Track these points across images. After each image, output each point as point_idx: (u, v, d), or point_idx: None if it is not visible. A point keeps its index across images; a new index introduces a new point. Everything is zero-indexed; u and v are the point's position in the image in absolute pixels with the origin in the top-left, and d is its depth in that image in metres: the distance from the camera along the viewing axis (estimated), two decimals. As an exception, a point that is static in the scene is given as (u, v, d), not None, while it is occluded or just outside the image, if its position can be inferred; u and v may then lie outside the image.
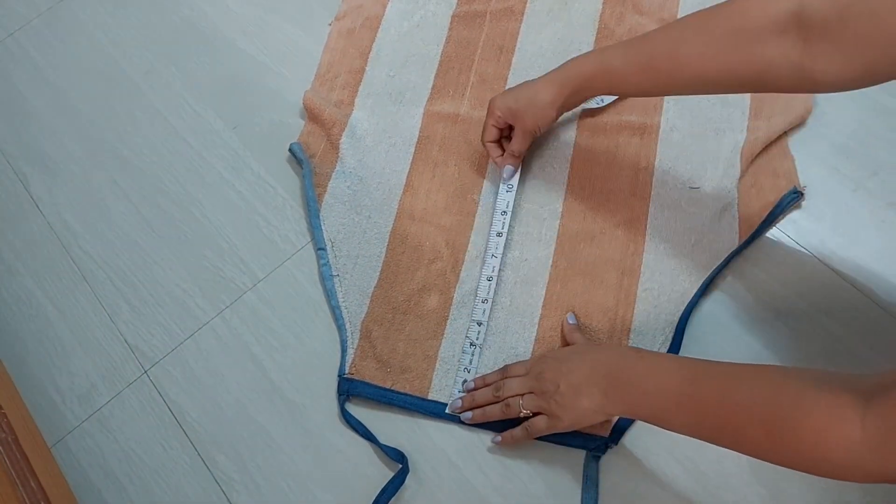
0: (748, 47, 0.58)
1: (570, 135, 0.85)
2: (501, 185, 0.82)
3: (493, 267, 0.78)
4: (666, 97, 0.85)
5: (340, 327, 0.77)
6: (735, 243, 0.76)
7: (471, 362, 0.74)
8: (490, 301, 0.76)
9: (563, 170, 0.83)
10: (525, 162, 0.82)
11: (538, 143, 0.84)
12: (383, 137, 0.88)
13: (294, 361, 0.77)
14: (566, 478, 0.69)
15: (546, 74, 0.75)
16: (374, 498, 0.69)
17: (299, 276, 0.81)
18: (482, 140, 0.82)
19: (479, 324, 0.75)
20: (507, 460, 0.70)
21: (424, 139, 0.87)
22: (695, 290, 0.75)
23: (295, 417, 0.74)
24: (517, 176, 0.82)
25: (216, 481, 0.73)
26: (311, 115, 0.90)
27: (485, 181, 0.84)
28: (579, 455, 0.69)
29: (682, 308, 0.74)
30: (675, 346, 0.72)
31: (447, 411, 0.72)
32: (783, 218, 0.78)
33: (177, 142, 0.91)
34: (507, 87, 0.89)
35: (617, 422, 0.69)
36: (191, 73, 0.96)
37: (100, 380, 0.78)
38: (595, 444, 0.69)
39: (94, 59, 0.99)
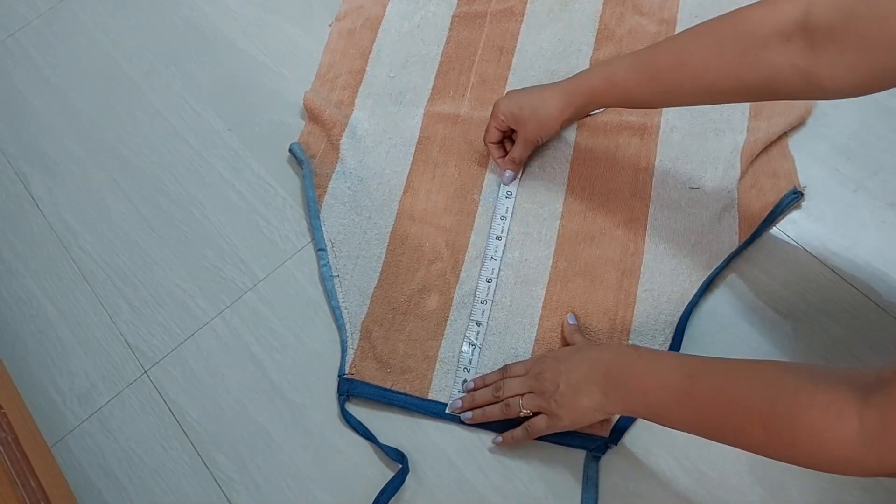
0: (754, 56, 0.58)
1: (570, 135, 0.85)
2: (501, 189, 0.82)
3: (493, 269, 0.78)
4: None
5: (340, 327, 0.77)
6: (735, 244, 0.76)
7: (471, 362, 0.74)
8: (490, 302, 0.76)
9: (563, 170, 0.83)
10: (525, 162, 0.83)
11: (538, 143, 0.84)
12: (384, 138, 0.88)
13: (294, 361, 0.77)
14: (566, 478, 0.69)
15: (553, 85, 0.76)
16: (374, 498, 0.69)
17: (299, 277, 0.81)
18: (484, 140, 0.82)
19: (479, 324, 0.75)
20: (507, 460, 0.70)
21: (425, 140, 0.87)
22: (695, 291, 0.75)
23: (295, 417, 0.74)
24: (517, 181, 0.82)
25: (216, 481, 0.73)
26: (311, 115, 0.90)
27: (485, 181, 0.84)
28: (579, 455, 0.69)
29: (682, 308, 0.74)
30: (675, 346, 0.72)
31: (447, 411, 0.72)
32: (783, 218, 0.78)
33: (177, 142, 0.91)
34: (507, 88, 0.89)
35: (617, 422, 0.69)
36: (191, 73, 0.96)
37: (100, 380, 0.78)
38: (595, 444, 0.69)
39: (95, 59, 0.99)
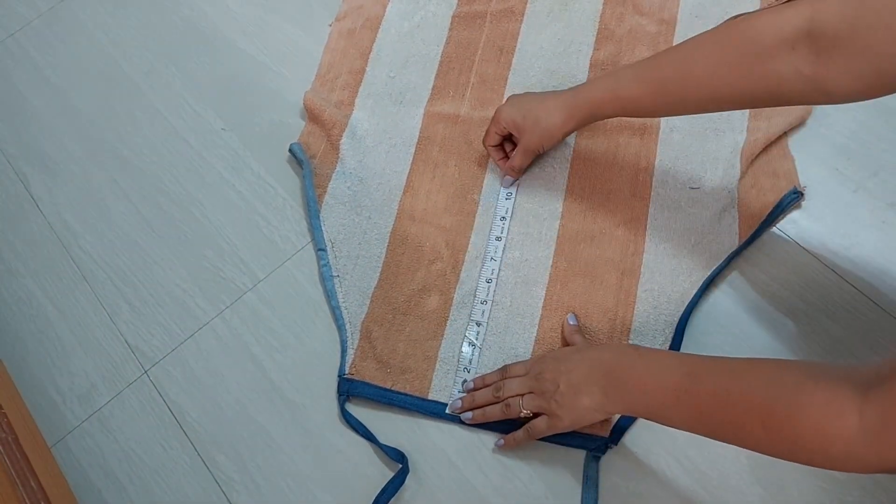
0: (760, 64, 0.58)
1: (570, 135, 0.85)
2: (501, 190, 0.82)
3: (492, 270, 0.78)
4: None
5: (340, 328, 0.77)
6: (735, 244, 0.76)
7: (471, 363, 0.74)
8: (490, 302, 0.76)
9: (563, 170, 0.83)
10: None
11: (538, 143, 0.84)
12: (384, 138, 0.88)
13: (294, 361, 0.77)
14: (566, 478, 0.69)
15: (557, 95, 0.75)
16: (374, 498, 0.69)
17: (299, 277, 0.81)
18: (483, 143, 0.82)
19: (479, 324, 0.75)
20: (507, 460, 0.70)
21: (425, 140, 0.87)
22: (695, 291, 0.75)
23: (295, 417, 0.74)
24: (517, 184, 0.82)
25: (216, 481, 0.73)
26: (311, 115, 0.90)
27: (485, 181, 0.84)
28: (579, 455, 0.69)
29: (682, 308, 0.74)
30: (675, 346, 0.72)
31: (447, 411, 0.72)
32: (783, 218, 0.78)
33: (177, 142, 0.91)
34: (507, 87, 0.89)
35: (617, 422, 0.69)
36: (191, 73, 0.96)
37: (100, 380, 0.78)
38: (595, 444, 0.69)
39: (95, 60, 0.99)
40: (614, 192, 0.81)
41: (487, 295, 0.77)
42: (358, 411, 0.73)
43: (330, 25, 0.98)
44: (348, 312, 0.77)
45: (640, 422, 0.70)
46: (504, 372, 0.71)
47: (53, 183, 0.90)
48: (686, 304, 0.74)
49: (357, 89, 0.92)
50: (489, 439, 0.71)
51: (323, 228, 0.82)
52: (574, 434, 0.68)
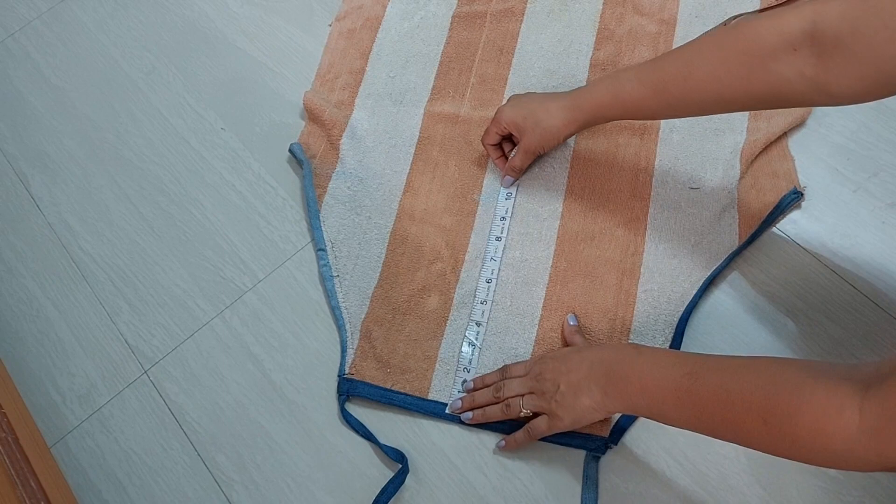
0: (762, 66, 0.58)
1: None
2: (501, 190, 0.82)
3: (492, 270, 0.78)
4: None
5: (340, 328, 0.77)
6: (735, 244, 0.76)
7: (470, 363, 0.74)
8: (490, 302, 0.76)
9: (562, 170, 0.83)
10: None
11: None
12: (384, 138, 0.88)
13: (294, 362, 0.77)
14: (566, 478, 0.69)
15: (558, 97, 0.75)
16: (374, 498, 0.69)
17: (299, 277, 0.81)
18: (482, 141, 0.82)
19: (479, 324, 0.75)
20: (506, 461, 0.70)
21: (425, 140, 0.87)
22: (695, 291, 0.75)
23: (295, 417, 0.74)
24: (517, 185, 0.82)
25: (216, 481, 0.73)
26: (311, 115, 0.90)
27: (485, 181, 0.84)
28: (579, 455, 0.69)
29: (682, 309, 0.74)
30: (675, 346, 0.72)
31: (447, 412, 0.72)
32: (783, 218, 0.78)
33: (177, 142, 0.91)
34: (507, 87, 0.89)
35: (617, 422, 0.69)
36: (191, 73, 0.96)
37: (100, 380, 0.78)
38: (595, 444, 0.69)
39: (95, 60, 0.99)
40: (614, 192, 0.81)
41: (487, 295, 0.77)
42: (358, 411, 0.73)
43: (330, 25, 0.98)
44: (348, 312, 0.77)
45: (640, 422, 0.70)
46: (504, 372, 0.71)
47: (53, 183, 0.90)
48: (686, 304, 0.74)
49: (357, 89, 0.92)
50: (489, 439, 0.71)
51: (323, 228, 0.82)
52: (574, 434, 0.68)
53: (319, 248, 0.81)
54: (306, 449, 0.73)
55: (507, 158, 0.82)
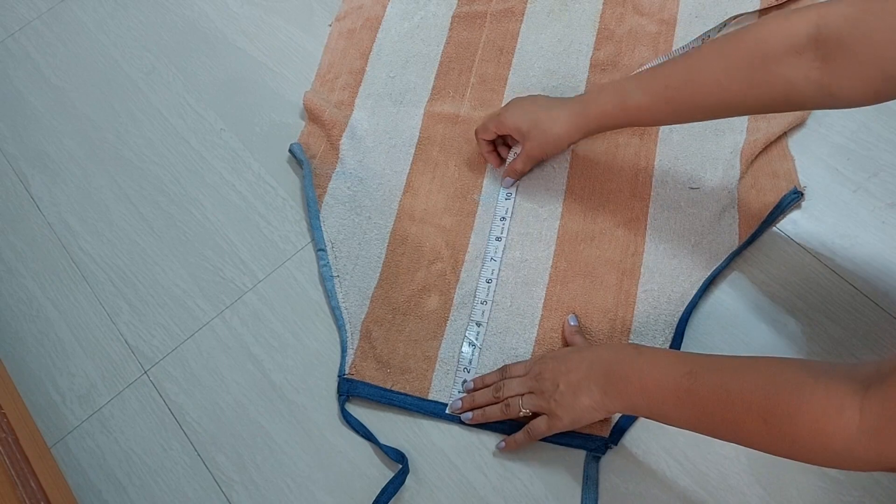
0: (767, 70, 0.58)
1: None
2: (501, 191, 0.82)
3: (493, 270, 0.78)
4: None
5: (340, 328, 0.77)
6: (735, 244, 0.76)
7: (470, 363, 0.74)
8: (490, 302, 0.76)
9: (562, 170, 0.83)
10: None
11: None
12: (383, 138, 0.88)
13: (294, 362, 0.77)
14: (566, 478, 0.69)
15: (563, 104, 0.75)
16: (374, 498, 0.69)
17: (299, 277, 0.81)
18: (476, 133, 0.81)
19: (479, 325, 0.75)
20: (506, 461, 0.70)
21: (425, 140, 0.87)
22: (695, 291, 0.75)
23: (295, 417, 0.74)
24: (517, 185, 0.82)
25: (216, 481, 0.73)
26: (311, 115, 0.90)
27: (485, 182, 0.84)
28: (579, 455, 0.69)
29: (682, 309, 0.74)
30: (675, 347, 0.72)
31: (447, 412, 0.72)
32: (783, 218, 0.78)
33: (177, 142, 0.91)
34: (507, 87, 0.89)
35: (617, 422, 0.69)
36: (191, 73, 0.96)
37: (100, 380, 0.78)
38: (595, 444, 0.69)
39: (95, 60, 0.99)
40: (614, 192, 0.81)
41: (487, 295, 0.77)
42: (358, 411, 0.73)
43: (330, 25, 0.98)
44: (348, 313, 0.77)
45: (640, 422, 0.70)
46: (504, 372, 0.71)
47: (53, 183, 0.90)
48: (686, 304, 0.74)
49: (357, 89, 0.92)
50: (489, 439, 0.71)
51: (323, 228, 0.82)
52: (574, 434, 0.68)
53: (319, 249, 0.81)
54: (306, 449, 0.73)
55: (496, 153, 0.82)
